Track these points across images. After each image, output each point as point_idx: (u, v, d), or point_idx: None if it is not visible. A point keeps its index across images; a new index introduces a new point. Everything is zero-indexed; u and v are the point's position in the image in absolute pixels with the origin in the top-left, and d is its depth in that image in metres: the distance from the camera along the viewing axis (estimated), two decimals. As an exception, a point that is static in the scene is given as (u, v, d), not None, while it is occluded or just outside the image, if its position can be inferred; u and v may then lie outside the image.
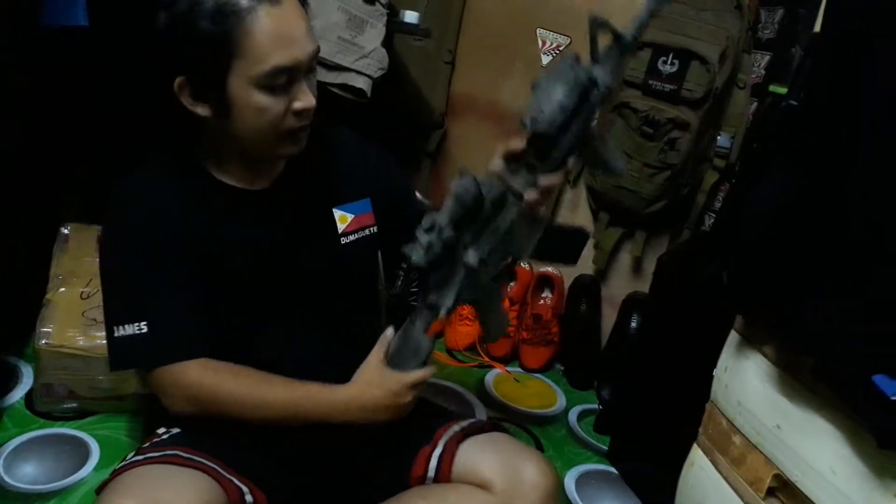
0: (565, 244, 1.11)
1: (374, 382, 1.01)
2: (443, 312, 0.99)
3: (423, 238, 0.91)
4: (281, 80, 0.90)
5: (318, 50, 0.94)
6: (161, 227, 0.96)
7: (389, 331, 1.04)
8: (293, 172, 1.06)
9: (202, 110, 0.93)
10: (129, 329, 0.95)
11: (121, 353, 0.97)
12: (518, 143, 0.90)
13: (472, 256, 0.95)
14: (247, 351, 1.02)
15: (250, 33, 0.86)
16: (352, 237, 1.10)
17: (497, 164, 0.92)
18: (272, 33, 0.87)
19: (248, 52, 0.87)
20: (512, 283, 2.13)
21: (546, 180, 0.89)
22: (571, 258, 1.18)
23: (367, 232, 1.12)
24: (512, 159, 0.91)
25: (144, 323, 0.95)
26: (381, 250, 1.26)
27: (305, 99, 0.93)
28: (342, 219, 1.10)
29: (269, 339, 1.04)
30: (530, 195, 0.90)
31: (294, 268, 1.05)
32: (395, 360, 1.03)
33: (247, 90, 0.89)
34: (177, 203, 0.98)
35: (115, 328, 0.96)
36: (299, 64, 0.91)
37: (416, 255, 0.91)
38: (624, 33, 0.84)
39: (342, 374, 1.03)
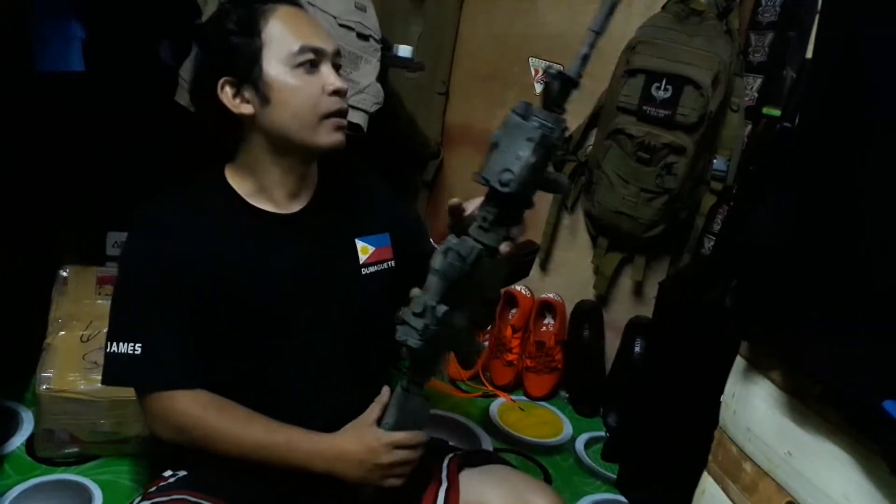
0: (518, 262, 1.09)
1: (354, 436, 0.98)
2: (435, 376, 0.99)
3: (418, 323, 0.88)
4: (308, 58, 0.98)
5: (338, 51, 1.03)
6: (182, 256, 0.98)
7: (385, 391, 1.01)
8: (322, 198, 1.08)
9: (245, 108, 0.99)
10: (123, 347, 0.96)
11: (111, 368, 0.98)
12: (485, 209, 0.89)
13: (459, 318, 0.93)
14: (258, 378, 1.01)
15: (272, 23, 0.98)
16: (372, 269, 1.11)
17: (470, 227, 0.91)
18: (291, 21, 0.99)
19: (273, 38, 0.98)
20: (513, 310, 2.12)
21: (517, 231, 0.90)
22: (523, 273, 1.16)
23: (385, 265, 1.13)
24: (482, 220, 0.89)
25: (139, 345, 0.96)
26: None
27: (335, 80, 1.00)
28: (364, 250, 1.11)
29: (281, 368, 1.03)
30: (505, 248, 0.89)
31: (317, 294, 1.05)
32: (388, 424, 0.99)
33: (281, 72, 0.98)
34: (205, 224, 1.00)
35: (110, 343, 0.98)
36: (321, 47, 1.00)
37: (413, 340, 0.89)
38: (570, 74, 0.84)
39: (348, 408, 1.02)
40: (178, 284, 0.97)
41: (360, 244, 1.11)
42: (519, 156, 0.82)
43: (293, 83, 0.98)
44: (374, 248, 1.12)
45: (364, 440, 0.97)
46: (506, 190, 0.82)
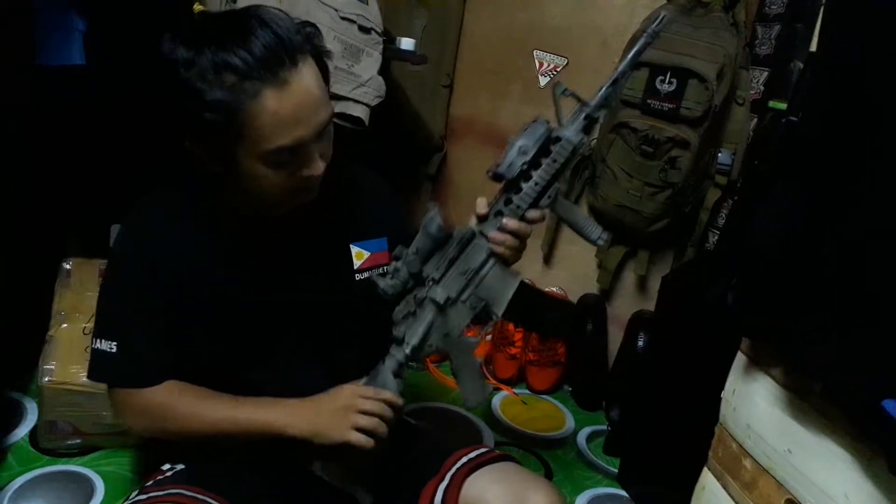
0: (549, 314, 1.07)
1: (329, 393, 1.01)
2: (407, 350, 1.00)
3: (392, 265, 0.98)
4: (285, 157, 0.89)
5: (331, 115, 0.93)
6: (166, 258, 0.97)
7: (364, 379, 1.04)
8: (311, 205, 1.04)
9: (213, 166, 0.92)
10: (103, 345, 0.99)
11: (92, 363, 1.01)
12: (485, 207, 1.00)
13: (438, 293, 0.98)
14: (245, 386, 1.01)
15: (254, 116, 0.85)
16: (367, 273, 1.10)
17: (472, 221, 1.01)
18: (276, 116, 0.85)
19: (252, 133, 0.86)
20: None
21: (510, 222, 0.97)
22: (556, 330, 1.18)
23: (381, 270, 1.11)
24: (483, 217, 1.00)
25: (115, 343, 0.98)
26: None
27: (313, 167, 0.92)
28: (358, 255, 1.10)
29: (267, 373, 1.03)
30: (495, 234, 0.98)
31: (305, 299, 1.04)
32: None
33: (254, 163, 0.89)
34: (189, 234, 0.99)
35: (93, 340, 1.00)
36: (304, 141, 0.89)
37: (383, 281, 0.98)
38: (588, 101, 0.96)
39: None
40: (161, 287, 0.97)
41: (354, 249, 1.10)
42: (515, 144, 0.95)
43: (265, 175, 0.90)
44: (369, 253, 1.11)
45: (331, 392, 1.00)
46: (498, 169, 0.94)
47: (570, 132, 0.95)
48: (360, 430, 0.96)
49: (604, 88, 0.96)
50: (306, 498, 1.04)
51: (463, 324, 1.02)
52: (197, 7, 1.47)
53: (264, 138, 0.86)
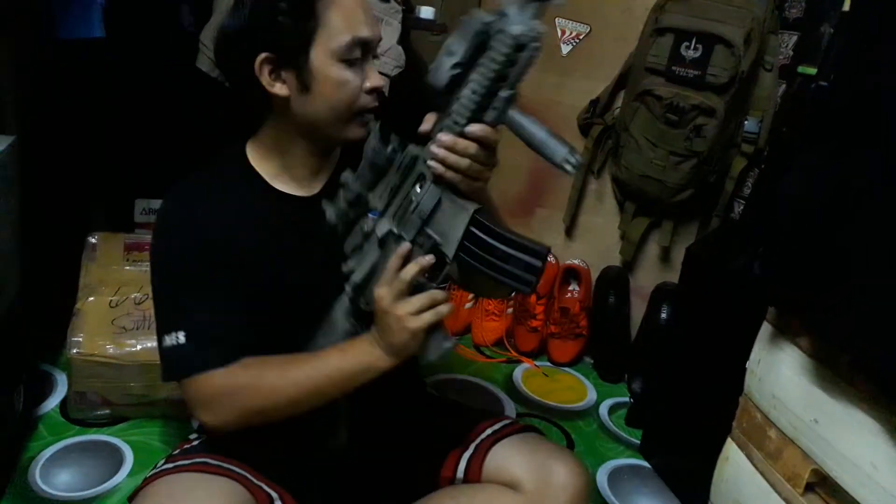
0: (513, 262, 0.84)
1: (376, 321, 0.92)
2: (348, 288, 0.93)
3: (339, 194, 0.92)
4: (357, 54, 0.94)
5: (380, 38, 1.00)
6: (212, 235, 0.95)
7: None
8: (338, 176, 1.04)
9: (281, 90, 0.94)
10: (170, 339, 0.93)
11: (165, 365, 0.95)
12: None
13: (380, 226, 0.90)
14: (295, 350, 0.98)
15: (330, 8, 0.92)
16: None
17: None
18: (348, 9, 0.93)
19: (329, 23, 0.92)
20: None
21: (445, 136, 0.82)
22: (523, 281, 0.84)
23: None
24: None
25: (182, 333, 0.93)
26: None
27: (376, 78, 0.97)
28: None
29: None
30: (432, 150, 0.83)
31: (339, 271, 1.00)
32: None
33: (328, 62, 0.93)
34: (231, 212, 0.98)
35: (160, 339, 0.95)
36: (371, 40, 0.96)
37: (329, 210, 0.93)
38: None
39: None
40: (215, 261, 0.95)
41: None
42: (444, 46, 0.80)
43: (338, 76, 0.93)
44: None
45: (377, 319, 0.91)
46: (427, 79, 0.82)
47: (512, 21, 0.75)
48: (426, 328, 0.88)
49: None
50: (328, 463, 1.05)
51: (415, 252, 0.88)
52: None
53: (339, 31, 0.92)
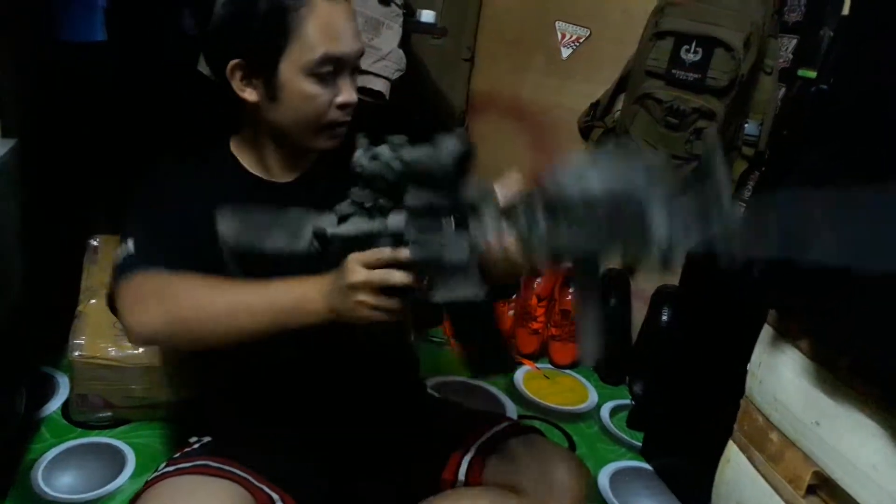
0: (484, 349, 0.84)
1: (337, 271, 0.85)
2: (329, 230, 0.87)
3: (381, 150, 0.80)
4: (328, 69, 0.94)
5: (362, 51, 0.99)
6: (183, 194, 0.97)
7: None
8: (318, 169, 1.06)
9: (250, 95, 0.96)
10: (120, 251, 0.94)
11: (113, 272, 0.94)
12: None
13: (394, 218, 0.82)
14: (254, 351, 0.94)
15: (305, 21, 0.91)
16: None
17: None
18: (325, 24, 0.92)
19: (300, 39, 0.92)
20: (538, 279, 2.10)
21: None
22: (480, 368, 0.88)
23: None
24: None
25: (131, 240, 0.93)
26: None
27: (348, 93, 0.97)
28: None
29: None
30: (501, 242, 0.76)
31: (300, 263, 0.94)
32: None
33: (296, 76, 0.93)
34: (206, 185, 0.99)
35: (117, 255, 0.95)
36: (346, 57, 0.95)
37: (364, 157, 0.82)
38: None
39: (361, 386, 1.02)
40: (176, 220, 0.94)
41: None
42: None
43: (306, 90, 0.94)
44: None
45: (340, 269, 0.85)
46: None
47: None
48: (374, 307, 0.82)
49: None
50: (328, 464, 1.06)
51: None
52: None
53: (310, 46, 0.92)
